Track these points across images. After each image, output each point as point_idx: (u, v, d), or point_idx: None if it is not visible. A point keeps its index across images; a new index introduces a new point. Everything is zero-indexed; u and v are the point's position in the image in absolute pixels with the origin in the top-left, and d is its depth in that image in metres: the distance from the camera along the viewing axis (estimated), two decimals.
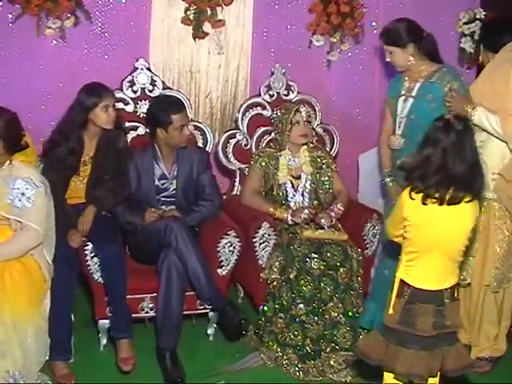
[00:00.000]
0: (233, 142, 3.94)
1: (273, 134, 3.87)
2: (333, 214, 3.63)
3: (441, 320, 2.47)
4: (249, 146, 3.97)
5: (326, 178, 3.77)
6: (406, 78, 3.42)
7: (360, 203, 3.99)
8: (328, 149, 4.10)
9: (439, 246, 2.46)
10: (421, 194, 2.42)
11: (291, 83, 4.08)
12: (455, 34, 4.61)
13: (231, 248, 3.41)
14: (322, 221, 3.54)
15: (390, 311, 2.52)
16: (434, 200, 2.41)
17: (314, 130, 3.93)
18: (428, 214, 2.44)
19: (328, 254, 3.41)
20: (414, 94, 3.36)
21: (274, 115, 3.81)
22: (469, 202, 2.43)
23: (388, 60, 3.41)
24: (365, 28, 4.40)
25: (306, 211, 3.55)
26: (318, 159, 3.79)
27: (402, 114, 3.39)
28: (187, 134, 3.48)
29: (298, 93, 4.06)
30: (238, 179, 3.95)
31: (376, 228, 3.68)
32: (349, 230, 3.62)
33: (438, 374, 2.56)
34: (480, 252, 3.27)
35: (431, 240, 2.46)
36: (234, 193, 3.94)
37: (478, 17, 4.55)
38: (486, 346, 3.38)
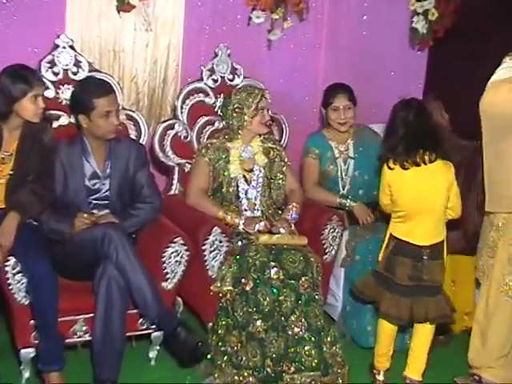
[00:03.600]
0: (171, 133, 3.81)
1: (217, 124, 3.81)
2: (289, 217, 3.60)
3: (417, 273, 3.11)
4: (189, 139, 3.87)
5: (279, 173, 3.73)
6: (333, 143, 3.95)
7: (316, 203, 3.93)
8: (278, 139, 4.06)
9: (421, 204, 3.08)
10: (396, 163, 3.08)
11: (237, 66, 4.00)
12: (406, 12, 4.65)
13: (178, 258, 3.26)
14: (283, 230, 3.48)
15: (380, 258, 3.23)
16: (408, 164, 3.06)
17: (272, 119, 3.85)
18: (406, 177, 3.08)
19: (288, 262, 3.35)
20: (351, 154, 3.93)
21: (229, 100, 3.68)
22: (439, 162, 3.07)
23: (343, 116, 3.87)
24: (310, 3, 4.36)
25: (262, 223, 3.49)
26: (271, 151, 3.73)
27: (347, 175, 3.93)
28: (115, 123, 3.27)
29: (244, 77, 4.00)
30: (176, 176, 3.85)
31: (336, 231, 3.67)
32: (306, 233, 3.57)
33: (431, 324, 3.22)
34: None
35: (414, 200, 3.09)
36: (172, 192, 3.84)
37: None
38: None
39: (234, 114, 3.63)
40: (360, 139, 3.98)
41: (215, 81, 3.93)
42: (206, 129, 3.89)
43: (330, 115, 3.92)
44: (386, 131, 3.19)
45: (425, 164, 3.07)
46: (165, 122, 3.83)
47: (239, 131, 3.64)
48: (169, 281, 3.28)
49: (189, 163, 3.81)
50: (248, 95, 3.62)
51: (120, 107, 3.54)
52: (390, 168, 3.13)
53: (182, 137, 3.84)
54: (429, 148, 3.06)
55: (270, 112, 3.71)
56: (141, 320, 3.24)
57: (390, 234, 3.18)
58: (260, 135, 3.70)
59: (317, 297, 3.37)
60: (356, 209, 3.78)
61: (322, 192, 3.88)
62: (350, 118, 3.91)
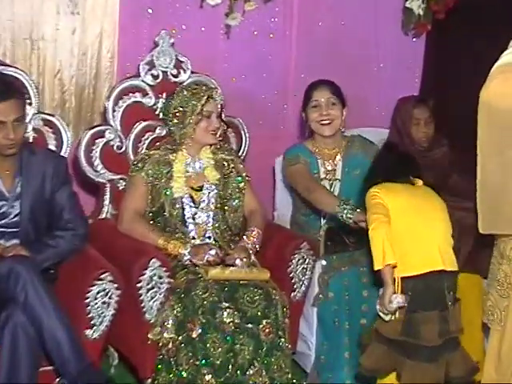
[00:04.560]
0: (100, 142, 3.81)
1: (159, 130, 3.83)
2: (249, 246, 3.57)
3: (445, 327, 3.04)
4: (124, 149, 3.87)
5: (236, 192, 3.74)
6: (319, 159, 3.94)
7: (281, 227, 3.96)
8: (235, 149, 4.09)
9: (421, 222, 3.12)
10: (384, 184, 3.19)
11: (182, 59, 3.99)
12: None
13: (106, 298, 3.23)
14: (238, 262, 3.46)
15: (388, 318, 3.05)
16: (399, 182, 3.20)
17: (226, 124, 3.83)
18: (400, 196, 3.16)
19: (245, 302, 3.34)
20: (338, 175, 3.93)
21: (170, 101, 3.69)
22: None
23: (325, 112, 3.86)
24: None
25: (213, 253, 3.47)
26: (225, 164, 3.74)
27: None
28: (10, 137, 3.22)
29: (192, 72, 4.02)
30: (108, 196, 3.86)
31: (306, 262, 3.67)
32: (268, 265, 3.58)
33: None
34: None
35: (411, 219, 3.12)
36: (104, 216, 3.86)
37: None
38: None
39: (175, 120, 3.63)
40: (350, 156, 3.99)
41: (155, 77, 3.92)
42: (145, 137, 3.89)
43: (310, 115, 3.92)
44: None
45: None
46: (92, 128, 3.84)
47: (182, 140, 3.64)
48: (94, 328, 3.24)
49: (123, 179, 3.81)
50: (192, 95, 3.61)
51: (30, 113, 3.55)
52: (377, 190, 3.18)
53: (115, 147, 3.84)
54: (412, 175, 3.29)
55: (223, 116, 3.71)
56: (58, 379, 3.18)
57: (402, 279, 3.06)
58: (211, 145, 3.70)
59: (282, 344, 3.38)
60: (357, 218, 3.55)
61: (324, 191, 3.81)
62: (335, 117, 3.90)
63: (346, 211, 3.52)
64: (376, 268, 3.01)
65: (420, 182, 3.27)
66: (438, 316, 3.05)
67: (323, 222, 3.92)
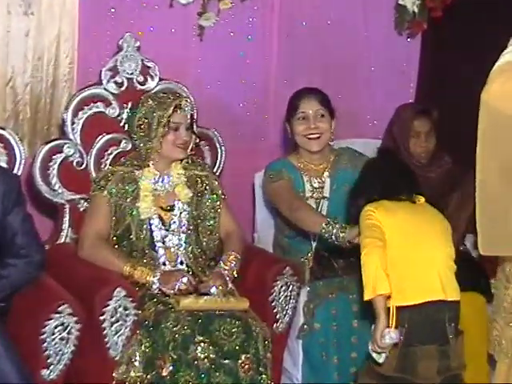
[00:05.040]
0: (58, 158, 3.81)
1: (124, 144, 3.85)
2: (226, 272, 3.57)
3: (445, 362, 2.98)
4: (84, 165, 3.88)
5: (211, 211, 3.75)
6: (305, 176, 3.96)
7: (262, 250, 3.96)
8: (209, 163, 4.10)
9: (422, 245, 3.07)
10: (381, 201, 3.14)
11: (149, 64, 4.00)
12: None
13: (64, 334, 3.20)
14: (214, 290, 3.46)
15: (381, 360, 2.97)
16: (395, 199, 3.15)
17: (197, 136, 3.84)
18: (398, 216, 3.11)
19: (222, 335, 3.33)
20: (326, 193, 3.96)
21: (135, 111, 3.70)
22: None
23: (313, 126, 3.87)
24: None
25: (185, 280, 3.46)
26: (198, 180, 3.75)
27: None
28: None
29: (160, 79, 4.03)
30: (67, 219, 3.85)
31: (290, 289, 3.67)
32: (248, 293, 3.58)
33: None
34: None
35: (410, 242, 3.07)
36: (62, 241, 3.85)
37: None
38: None
39: (140, 132, 3.64)
40: (338, 171, 4.01)
41: (119, 84, 3.93)
42: (109, 151, 3.90)
43: (296, 128, 3.92)
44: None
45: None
46: (49, 142, 3.83)
47: (149, 155, 3.63)
48: (52, 367, 3.21)
49: (84, 199, 3.81)
50: (158, 105, 3.61)
51: None
52: (373, 210, 3.14)
53: (75, 163, 3.84)
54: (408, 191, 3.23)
55: (195, 127, 3.73)
56: None
57: (397, 309, 3.00)
58: (181, 160, 3.70)
59: (264, 382, 3.38)
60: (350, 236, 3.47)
61: (309, 209, 3.82)
62: (324, 130, 3.91)
63: (335, 230, 3.48)
64: (366, 298, 2.98)
65: (422, 200, 3.22)
66: (438, 351, 2.99)
67: (313, 244, 3.93)
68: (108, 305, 3.31)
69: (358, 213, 3.16)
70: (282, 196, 3.85)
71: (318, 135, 3.90)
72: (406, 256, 3.04)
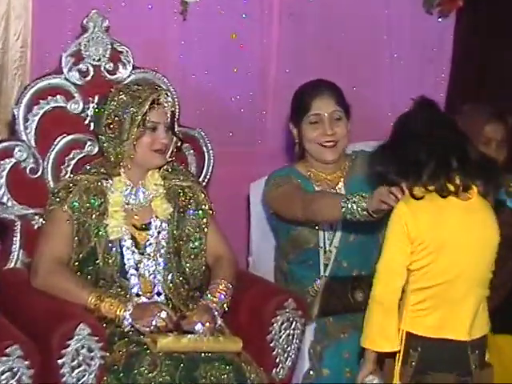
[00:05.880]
0: (7, 164, 3.81)
1: (90, 147, 3.87)
2: (215, 305, 3.57)
3: None
4: (40, 173, 3.87)
5: (195, 230, 3.75)
6: (316, 187, 4.00)
7: (259, 278, 3.98)
8: (194, 172, 4.09)
9: (464, 268, 2.98)
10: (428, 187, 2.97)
11: (121, 48, 4.00)
12: None
13: (13, 382, 3.17)
14: (199, 327, 3.45)
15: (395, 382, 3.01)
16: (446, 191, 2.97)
17: (179, 138, 3.83)
18: (446, 216, 2.98)
19: (209, 381, 3.33)
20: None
21: (103, 106, 3.68)
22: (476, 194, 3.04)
23: (330, 132, 3.88)
24: None
25: (164, 315, 3.45)
26: (180, 192, 3.76)
27: (332, 244, 3.99)
28: None
29: (134, 67, 4.04)
30: (17, 238, 3.85)
31: (293, 326, 3.66)
32: (241, 331, 3.59)
33: None
34: None
35: (460, 259, 2.98)
36: (12, 265, 3.85)
37: None
38: None
39: (110, 133, 3.63)
40: (352, 179, 4.02)
41: (84, 73, 3.93)
42: (70, 156, 3.91)
43: (308, 134, 3.92)
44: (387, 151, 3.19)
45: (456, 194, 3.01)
46: None
47: (120, 162, 3.63)
48: None
49: (40, 215, 3.81)
50: (131, 100, 3.60)
51: None
52: (415, 198, 2.99)
53: (28, 170, 3.84)
54: (466, 174, 3.02)
55: (176, 127, 3.73)
56: None
57: (408, 334, 3.03)
58: (159, 168, 3.71)
59: None
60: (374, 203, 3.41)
61: (322, 196, 3.83)
62: (341, 137, 3.92)
63: (355, 205, 3.43)
64: (362, 344, 3.03)
65: (474, 192, 3.04)
66: (457, 382, 2.96)
67: (322, 269, 3.96)
68: (68, 345, 3.28)
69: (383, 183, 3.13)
70: (292, 196, 3.84)
71: (333, 143, 3.90)
72: (435, 280, 2.99)
